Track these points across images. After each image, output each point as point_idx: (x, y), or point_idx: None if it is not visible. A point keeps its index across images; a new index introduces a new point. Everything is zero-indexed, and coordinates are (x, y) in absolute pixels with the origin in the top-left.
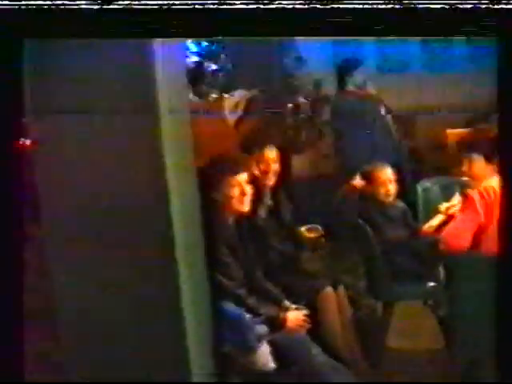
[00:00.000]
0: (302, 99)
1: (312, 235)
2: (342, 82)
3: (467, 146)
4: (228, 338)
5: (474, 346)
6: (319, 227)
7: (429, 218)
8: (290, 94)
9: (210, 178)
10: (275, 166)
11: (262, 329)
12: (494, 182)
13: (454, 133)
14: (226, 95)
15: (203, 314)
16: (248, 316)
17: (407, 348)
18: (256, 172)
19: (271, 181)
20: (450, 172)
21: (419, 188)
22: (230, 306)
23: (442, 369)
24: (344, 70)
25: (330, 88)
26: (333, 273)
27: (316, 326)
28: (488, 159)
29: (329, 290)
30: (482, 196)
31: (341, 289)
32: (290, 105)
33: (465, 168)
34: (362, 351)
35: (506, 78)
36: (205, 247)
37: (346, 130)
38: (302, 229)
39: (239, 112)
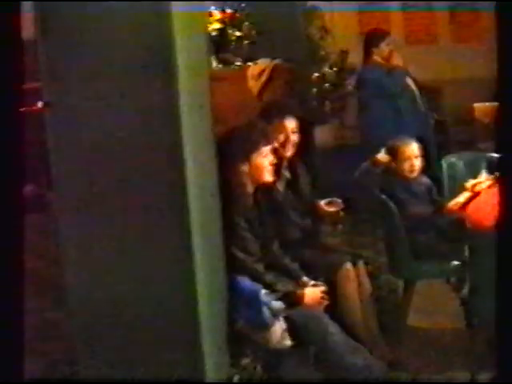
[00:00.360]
0: (327, 69)
1: (332, 209)
2: (368, 53)
3: None
4: (242, 313)
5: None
6: (339, 200)
7: (454, 194)
8: (315, 64)
9: (235, 148)
10: (294, 137)
11: (278, 305)
12: None
13: (481, 107)
14: (249, 63)
15: (217, 288)
16: (264, 291)
17: (428, 327)
18: (275, 143)
19: (290, 152)
20: (475, 147)
21: (444, 163)
22: (245, 281)
23: (463, 349)
24: (370, 41)
25: (355, 58)
26: (353, 248)
27: (334, 303)
28: None
29: (348, 265)
30: None
31: (361, 264)
32: (315, 74)
33: None
34: (381, 330)
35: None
36: (222, 219)
37: (371, 101)
38: (322, 202)
39: (263, 80)
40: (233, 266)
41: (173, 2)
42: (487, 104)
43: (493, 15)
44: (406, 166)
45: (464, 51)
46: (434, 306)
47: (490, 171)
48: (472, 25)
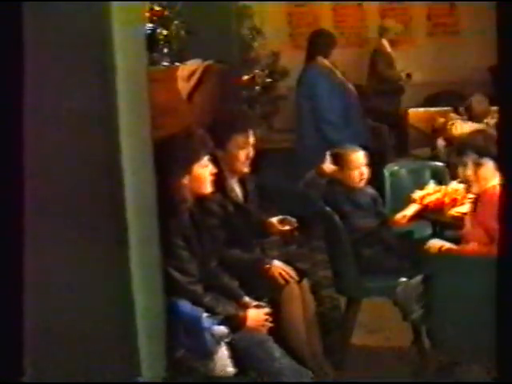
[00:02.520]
0: (257, 71)
1: (285, 228)
2: (313, 53)
3: (467, 147)
4: (182, 340)
5: (452, 345)
6: (293, 219)
7: (397, 205)
8: (247, 66)
9: (174, 158)
10: (251, 151)
11: (221, 330)
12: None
13: (415, 113)
14: (178, 64)
15: (155, 313)
16: (205, 316)
17: (373, 345)
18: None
19: (247, 167)
20: (410, 153)
21: (386, 172)
22: (185, 305)
23: (410, 367)
24: (318, 43)
25: (286, 60)
26: (289, 259)
27: (278, 324)
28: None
29: (292, 283)
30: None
31: (305, 281)
32: (245, 77)
33: (468, 172)
34: (325, 350)
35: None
36: (159, 239)
37: (311, 103)
38: (274, 220)
39: (193, 82)
40: (171, 289)
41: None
42: (421, 109)
43: (424, 18)
44: (356, 175)
45: (396, 56)
46: (380, 323)
47: (437, 181)
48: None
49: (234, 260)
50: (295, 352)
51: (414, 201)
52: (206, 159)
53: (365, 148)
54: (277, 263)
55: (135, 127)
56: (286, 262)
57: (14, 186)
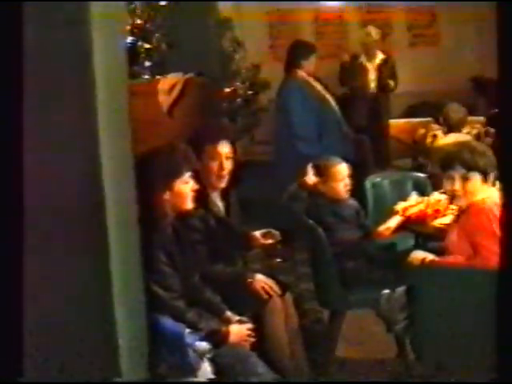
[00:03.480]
0: (238, 83)
1: (268, 241)
2: (293, 64)
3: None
4: (165, 357)
5: (435, 357)
6: (276, 232)
7: (380, 217)
8: (228, 79)
9: (156, 173)
10: (228, 164)
11: (204, 346)
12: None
13: (397, 124)
14: (159, 77)
15: (137, 330)
16: (188, 332)
17: (357, 358)
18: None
19: (225, 180)
20: (392, 164)
21: (368, 183)
22: (168, 322)
23: (395, 379)
24: (297, 53)
25: (266, 73)
26: (271, 272)
27: (261, 339)
28: (485, 176)
29: (275, 297)
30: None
31: (288, 295)
32: (226, 89)
33: (455, 186)
34: (308, 364)
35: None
36: (141, 254)
37: (285, 116)
38: (257, 233)
39: (174, 96)
40: (153, 304)
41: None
42: (402, 120)
43: (404, 29)
44: (340, 187)
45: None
46: (364, 335)
47: (419, 192)
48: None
49: (216, 274)
50: (278, 366)
51: (396, 212)
52: (187, 175)
53: (345, 160)
54: (259, 277)
55: (116, 141)
56: (269, 275)
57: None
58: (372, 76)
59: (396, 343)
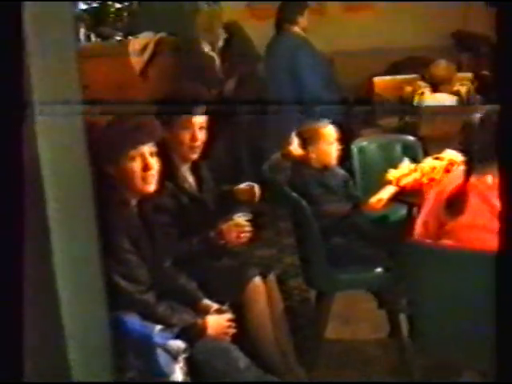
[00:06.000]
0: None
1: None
2: (286, 20)
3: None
4: (132, 362)
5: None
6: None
7: (368, 185)
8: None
9: (105, 149)
10: (202, 135)
11: (177, 345)
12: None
13: (381, 81)
14: (131, 37)
15: (97, 332)
16: (158, 329)
17: (348, 338)
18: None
19: (196, 153)
20: (376, 124)
21: (354, 148)
22: (134, 321)
23: (388, 361)
24: (291, 9)
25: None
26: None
27: (242, 329)
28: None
29: (257, 280)
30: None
31: (271, 277)
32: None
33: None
34: (296, 349)
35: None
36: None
37: (305, 74)
38: (236, 218)
39: (146, 56)
40: (116, 301)
41: None
42: (387, 78)
43: None
44: (329, 151)
45: (355, 22)
46: (355, 315)
47: (409, 156)
48: None
49: (188, 255)
50: (263, 355)
51: (389, 182)
52: (148, 150)
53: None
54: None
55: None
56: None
57: None
58: None
59: (389, 322)
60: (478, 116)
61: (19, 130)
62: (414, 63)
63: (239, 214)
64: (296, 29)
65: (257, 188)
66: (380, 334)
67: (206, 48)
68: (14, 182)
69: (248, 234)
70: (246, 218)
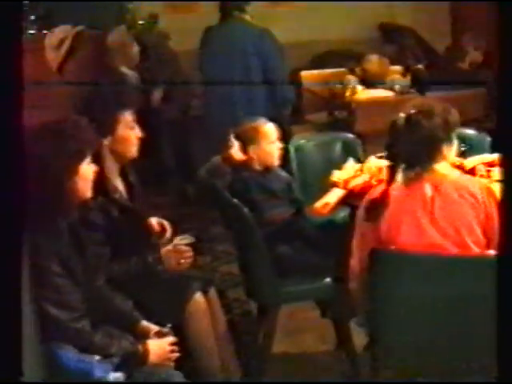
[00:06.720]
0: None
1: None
2: (233, 10)
3: None
4: None
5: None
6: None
7: (308, 189)
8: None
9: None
10: (133, 133)
11: (118, 378)
12: None
13: (308, 75)
14: (46, 32)
15: (29, 368)
16: (97, 361)
17: (294, 352)
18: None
19: (130, 153)
20: (304, 119)
21: (291, 147)
22: (69, 355)
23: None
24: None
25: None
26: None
27: (186, 351)
28: None
29: (198, 296)
30: None
31: (212, 292)
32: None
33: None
34: (241, 367)
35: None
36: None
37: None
38: (176, 241)
39: (63, 52)
40: (48, 331)
41: None
42: (315, 72)
43: None
44: (273, 149)
45: (278, 14)
46: (301, 327)
47: (349, 154)
48: None
49: (124, 277)
50: (207, 373)
51: (336, 185)
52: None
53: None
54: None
55: None
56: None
57: None
58: None
59: (336, 333)
60: (403, 116)
61: None
62: (336, 56)
63: (180, 237)
64: (248, 17)
65: (167, 225)
66: (328, 346)
67: (123, 68)
68: None
69: (188, 260)
70: (187, 242)
